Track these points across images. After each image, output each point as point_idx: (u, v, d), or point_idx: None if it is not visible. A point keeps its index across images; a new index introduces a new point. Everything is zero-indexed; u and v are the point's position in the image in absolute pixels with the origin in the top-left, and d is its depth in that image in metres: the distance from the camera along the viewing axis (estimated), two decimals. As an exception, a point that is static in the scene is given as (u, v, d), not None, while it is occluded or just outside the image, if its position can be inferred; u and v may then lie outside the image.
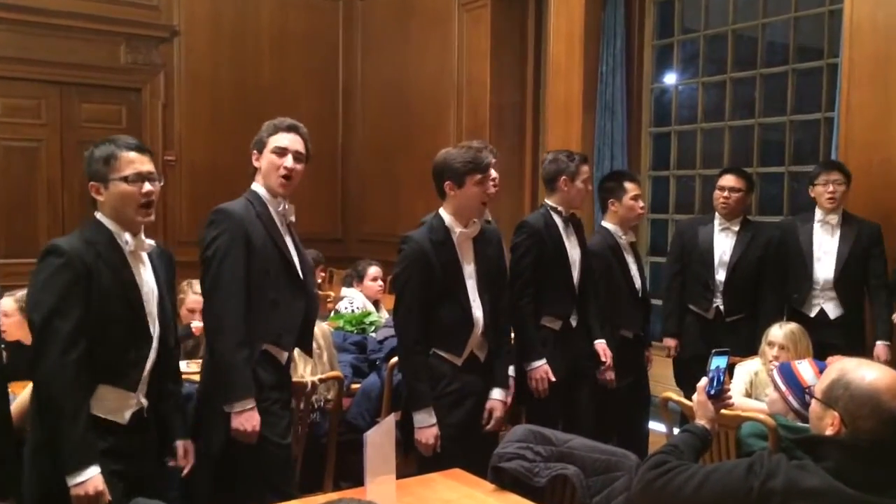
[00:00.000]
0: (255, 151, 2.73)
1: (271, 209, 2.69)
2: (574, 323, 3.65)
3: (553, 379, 3.43)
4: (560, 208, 3.63)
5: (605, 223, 4.05)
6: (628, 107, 6.05)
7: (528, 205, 6.69)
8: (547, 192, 3.71)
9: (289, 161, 2.68)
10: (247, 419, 2.53)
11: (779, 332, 3.48)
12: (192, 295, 4.10)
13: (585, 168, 3.67)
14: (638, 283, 4.00)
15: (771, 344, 3.47)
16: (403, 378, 2.95)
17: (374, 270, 5.22)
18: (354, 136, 8.42)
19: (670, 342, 4.38)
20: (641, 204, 4.01)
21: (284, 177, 2.67)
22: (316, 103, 8.09)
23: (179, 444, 2.46)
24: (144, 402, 2.34)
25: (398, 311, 2.88)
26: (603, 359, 3.70)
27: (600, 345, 3.72)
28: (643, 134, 6.27)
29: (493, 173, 3.05)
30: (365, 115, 8.29)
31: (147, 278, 2.34)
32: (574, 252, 3.65)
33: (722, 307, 4.24)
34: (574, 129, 6.05)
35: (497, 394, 3.03)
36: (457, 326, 2.90)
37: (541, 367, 3.44)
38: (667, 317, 4.39)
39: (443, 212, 2.95)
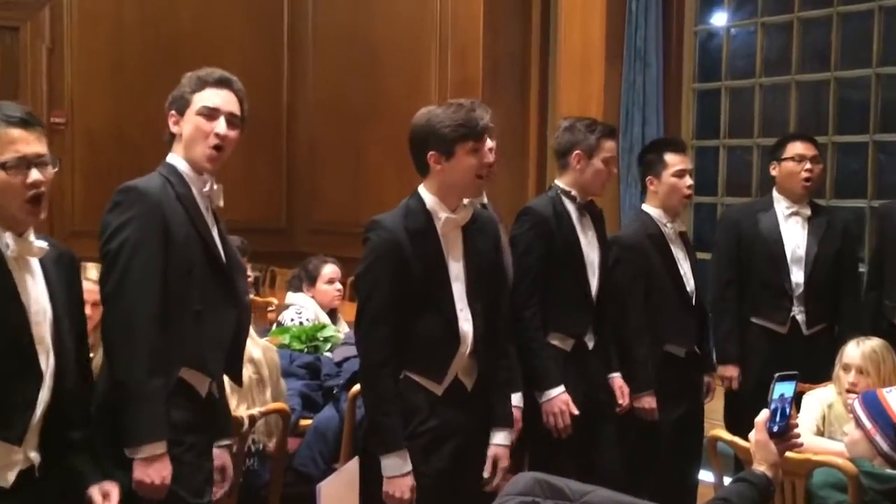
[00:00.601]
0: (172, 113, 2.75)
1: (194, 190, 2.71)
2: (591, 343, 3.71)
3: (576, 412, 3.49)
4: (573, 192, 3.69)
5: (645, 207, 4.11)
6: (665, 56, 6.11)
7: (533, 186, 6.73)
8: (558, 171, 3.78)
9: (220, 126, 2.70)
10: (155, 470, 2.51)
11: (855, 351, 3.46)
12: (85, 282, 4.07)
13: (610, 144, 3.72)
14: (690, 284, 4.04)
15: (846, 367, 3.47)
16: (366, 411, 2.97)
17: (329, 270, 5.24)
18: (304, 97, 8.36)
19: (730, 371, 4.31)
20: (688, 182, 4.04)
21: (215, 147, 2.69)
22: (253, 53, 8.05)
23: (94, 490, 2.46)
24: (35, 458, 2.34)
25: (360, 322, 2.91)
26: (619, 400, 3.76)
27: (616, 380, 3.79)
28: (685, 92, 6.30)
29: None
30: (317, 68, 8.24)
31: (36, 294, 2.34)
32: (591, 250, 3.71)
33: (802, 317, 4.25)
34: (594, 87, 6.06)
35: (500, 437, 3.05)
36: (437, 343, 2.92)
37: (558, 398, 3.49)
38: (723, 337, 4.34)
39: (423, 190, 2.97)
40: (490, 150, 3.12)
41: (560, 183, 3.71)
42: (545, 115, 6.77)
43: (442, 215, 2.93)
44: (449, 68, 6.99)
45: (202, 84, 2.72)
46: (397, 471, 2.80)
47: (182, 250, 2.62)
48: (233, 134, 2.72)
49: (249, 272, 5.42)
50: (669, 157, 4.01)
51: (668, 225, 4.03)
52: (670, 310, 3.96)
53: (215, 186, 2.74)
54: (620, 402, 3.76)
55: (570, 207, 3.67)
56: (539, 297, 3.56)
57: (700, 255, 5.73)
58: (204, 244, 2.67)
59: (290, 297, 5.26)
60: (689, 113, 6.33)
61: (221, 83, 2.74)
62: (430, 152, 2.91)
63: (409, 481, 2.82)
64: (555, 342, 3.61)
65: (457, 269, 2.97)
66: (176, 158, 2.73)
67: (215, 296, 2.69)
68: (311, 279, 5.21)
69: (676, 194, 4.01)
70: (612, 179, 4.05)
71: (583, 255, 3.66)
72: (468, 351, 2.97)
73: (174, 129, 2.73)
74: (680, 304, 3.99)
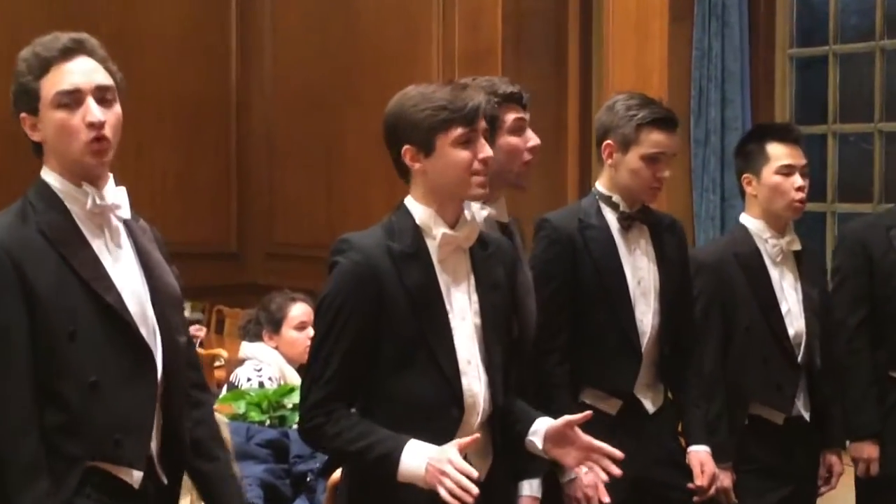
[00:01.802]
0: (23, 115, 2.79)
1: (74, 208, 2.75)
2: (651, 406, 3.79)
3: (606, 499, 3.31)
4: (614, 197, 3.78)
5: (743, 217, 4.20)
6: (751, 15, 6.19)
7: (574, 189, 6.77)
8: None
9: (92, 111, 2.72)
10: None
11: None
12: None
13: (656, 137, 3.74)
14: (798, 323, 4.04)
15: None
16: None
17: (298, 311, 5.33)
18: (258, 74, 8.53)
19: (866, 450, 4.28)
20: (798, 182, 4.04)
21: (95, 139, 2.71)
22: (189, 13, 8.17)
23: None
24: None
25: (311, 357, 2.97)
26: (698, 481, 3.77)
27: (697, 455, 3.81)
28: (778, 61, 6.36)
29: (518, 116, 3.29)
30: (277, 38, 8.39)
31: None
32: (645, 275, 3.78)
33: None
34: (654, 56, 6.10)
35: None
36: (431, 411, 2.96)
37: (583, 478, 3.48)
38: (854, 400, 4.30)
39: (411, 201, 3.05)
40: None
41: (599, 185, 3.82)
42: (588, 95, 6.78)
43: (437, 232, 2.99)
44: (456, 34, 7.03)
45: (45, 63, 2.73)
46: (423, 456, 2.79)
47: (55, 306, 2.65)
48: (112, 114, 2.75)
49: (188, 313, 5.52)
50: (773, 149, 4.03)
51: (772, 241, 4.04)
52: (760, 356, 3.97)
53: (115, 189, 2.78)
54: (698, 483, 3.74)
55: (610, 218, 3.74)
56: (564, 340, 3.63)
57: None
58: (86, 289, 2.68)
59: (246, 348, 5.35)
60: (784, 89, 6.35)
61: (70, 52, 2.74)
62: (405, 146, 2.97)
63: (451, 451, 2.78)
64: (590, 401, 3.67)
65: (462, 307, 3.02)
66: (48, 173, 2.77)
67: (119, 357, 2.73)
68: (275, 324, 5.31)
69: (782, 198, 4.01)
70: (672, 184, 4.13)
71: (626, 284, 3.71)
72: (478, 420, 3.00)
73: (34, 136, 2.76)
74: (775, 349, 3.99)
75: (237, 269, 8.42)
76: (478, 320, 3.03)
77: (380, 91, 6.93)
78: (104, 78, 2.75)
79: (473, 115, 2.94)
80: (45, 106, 2.72)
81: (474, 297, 3.04)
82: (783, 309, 4.01)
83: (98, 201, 2.72)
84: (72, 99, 2.70)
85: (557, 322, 3.63)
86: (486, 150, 3.00)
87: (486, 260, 3.09)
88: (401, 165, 3.04)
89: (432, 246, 2.99)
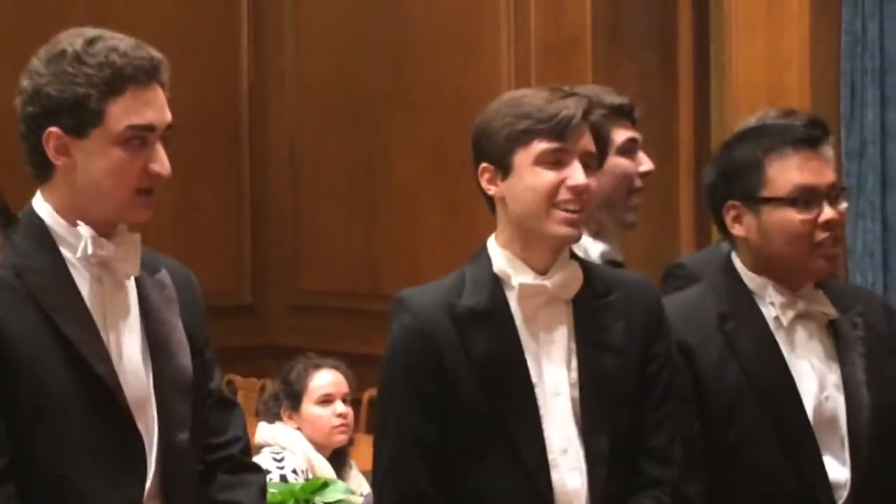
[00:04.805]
0: (52, 129, 2.68)
1: (66, 252, 2.73)
2: None
3: None
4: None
5: None
6: None
7: (689, 218, 6.79)
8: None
9: (163, 160, 2.73)
10: None
11: None
12: None
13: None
14: None
15: None
16: None
17: (322, 381, 5.32)
18: (277, 78, 8.66)
19: None
20: None
21: (145, 191, 2.75)
22: (188, 10, 8.45)
23: None
24: None
25: (377, 468, 3.01)
26: None
27: None
28: None
29: (627, 135, 3.50)
30: (300, 28, 8.52)
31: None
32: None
33: None
34: (791, 42, 6.09)
35: None
36: None
37: None
38: None
39: (492, 243, 3.07)
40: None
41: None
42: (704, 99, 6.82)
43: (517, 281, 2.98)
44: (532, 19, 7.01)
45: (120, 79, 2.68)
46: None
47: (25, 371, 2.65)
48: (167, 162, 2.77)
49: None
50: None
51: None
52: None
53: (115, 242, 2.75)
54: None
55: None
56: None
57: None
58: (70, 353, 2.66)
59: (263, 431, 5.28)
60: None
61: (152, 74, 2.73)
62: (482, 165, 3.00)
63: None
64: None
65: (556, 379, 3.01)
66: (42, 205, 2.75)
67: (101, 448, 2.71)
68: (293, 398, 5.29)
69: None
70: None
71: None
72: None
73: (58, 159, 2.69)
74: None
75: (253, 326, 8.44)
76: (576, 394, 2.98)
77: (433, 93, 7.50)
78: (168, 113, 2.75)
79: (564, 127, 2.93)
80: (105, 135, 2.67)
81: (574, 364, 3.00)
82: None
83: (91, 249, 2.68)
84: (141, 138, 2.69)
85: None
86: (577, 176, 2.94)
87: (597, 312, 3.03)
88: (484, 192, 3.05)
89: (514, 301, 2.99)
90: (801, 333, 3.62)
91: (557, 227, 2.96)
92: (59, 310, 2.70)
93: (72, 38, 2.64)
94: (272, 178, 8.69)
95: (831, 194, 3.36)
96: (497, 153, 2.97)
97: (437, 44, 7.56)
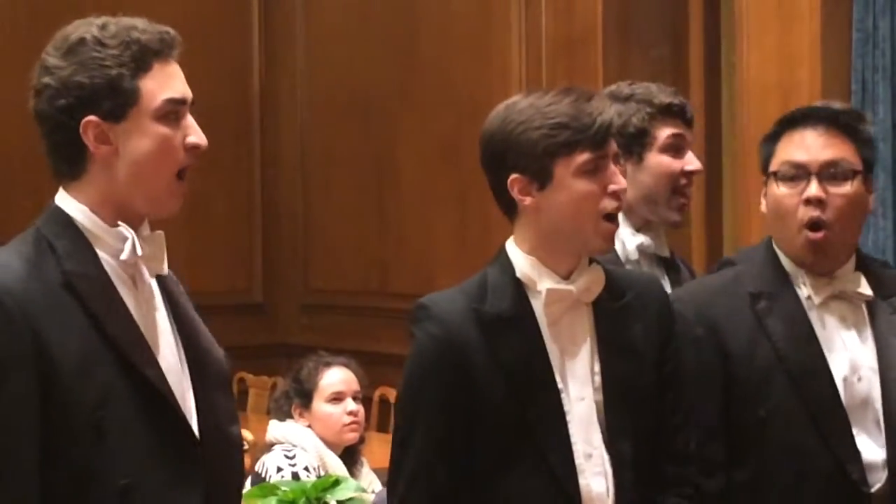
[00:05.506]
0: (90, 118, 2.62)
1: (103, 253, 2.66)
2: None
3: None
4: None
5: None
6: None
7: (700, 213, 6.87)
8: None
9: (197, 129, 2.70)
10: None
11: None
12: None
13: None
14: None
15: None
16: None
17: (332, 378, 5.37)
18: (289, 78, 8.79)
19: None
20: None
21: (180, 172, 2.71)
22: (198, 9, 8.58)
23: None
24: None
25: (395, 478, 3.01)
26: None
27: None
28: None
29: (652, 138, 3.48)
30: (311, 29, 8.66)
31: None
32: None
33: None
34: (802, 39, 6.21)
35: None
36: None
37: None
38: None
39: (512, 246, 3.06)
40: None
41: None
42: (715, 95, 6.90)
43: (542, 287, 2.98)
44: (542, 15, 7.03)
45: (146, 54, 2.66)
46: None
47: (80, 385, 2.59)
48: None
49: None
50: None
51: None
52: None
53: (150, 234, 2.70)
54: None
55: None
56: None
57: None
58: (122, 362, 2.61)
59: (275, 429, 5.34)
60: None
61: (171, 46, 2.72)
62: (513, 176, 2.96)
63: None
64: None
65: (580, 383, 3.01)
66: (71, 203, 2.67)
67: (160, 452, 2.68)
68: (304, 396, 5.35)
69: None
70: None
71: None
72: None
73: (99, 149, 2.65)
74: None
75: (263, 324, 8.50)
76: (599, 398, 3.00)
77: (444, 91, 7.63)
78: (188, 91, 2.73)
79: (603, 135, 2.95)
80: (143, 114, 2.65)
81: (597, 368, 3.03)
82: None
83: (140, 251, 2.64)
84: (175, 112, 2.67)
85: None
86: (618, 180, 2.98)
87: (616, 314, 3.05)
88: (503, 199, 3.02)
89: (538, 306, 2.99)
90: (835, 314, 3.62)
91: (600, 240, 3.00)
92: (108, 318, 2.67)
93: (82, 27, 2.62)
94: (283, 178, 8.79)
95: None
96: (533, 165, 2.96)
97: (448, 42, 7.65)
